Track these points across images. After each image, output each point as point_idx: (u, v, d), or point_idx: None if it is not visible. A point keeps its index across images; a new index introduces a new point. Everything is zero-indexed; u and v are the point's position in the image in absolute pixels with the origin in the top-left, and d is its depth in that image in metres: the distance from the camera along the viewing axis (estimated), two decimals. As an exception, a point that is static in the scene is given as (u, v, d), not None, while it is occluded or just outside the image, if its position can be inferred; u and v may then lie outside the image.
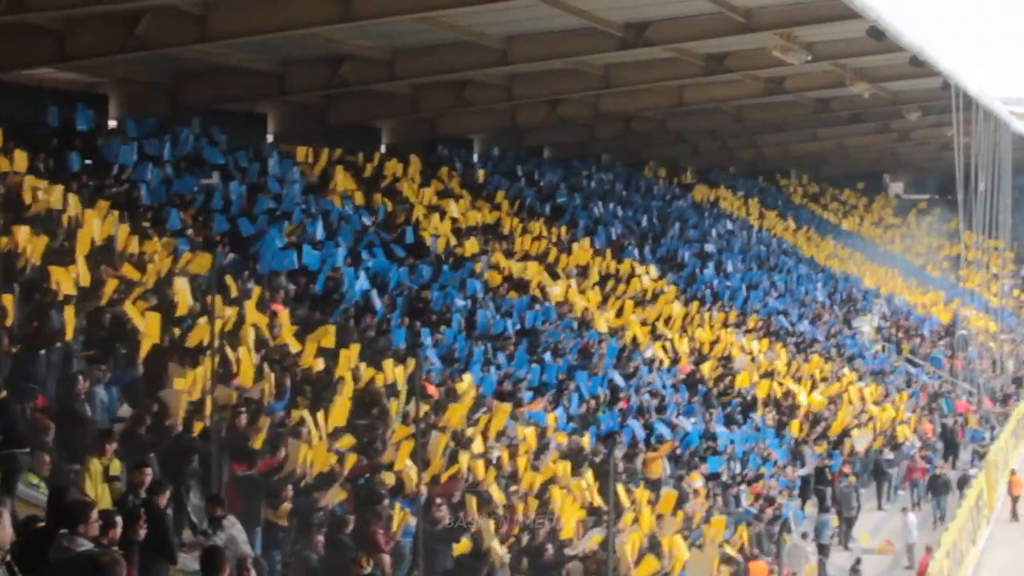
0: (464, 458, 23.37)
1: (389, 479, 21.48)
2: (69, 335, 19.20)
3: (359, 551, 18.44)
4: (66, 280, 19.91)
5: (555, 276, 37.12)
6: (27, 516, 13.46)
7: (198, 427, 19.12)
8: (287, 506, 19.21)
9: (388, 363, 24.93)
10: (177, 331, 21.30)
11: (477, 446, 24.60)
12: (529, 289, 34.95)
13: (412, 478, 21.17)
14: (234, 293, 23.36)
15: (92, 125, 27.95)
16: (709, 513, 29.76)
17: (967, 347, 56.45)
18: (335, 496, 19.97)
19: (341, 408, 22.33)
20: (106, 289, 20.77)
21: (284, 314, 24.42)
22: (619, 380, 33.25)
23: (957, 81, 42.00)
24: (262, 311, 23.61)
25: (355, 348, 24.53)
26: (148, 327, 20.38)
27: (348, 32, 28.77)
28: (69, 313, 19.19)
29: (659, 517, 27.46)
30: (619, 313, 38.05)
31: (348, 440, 21.74)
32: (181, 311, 21.72)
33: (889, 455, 41.25)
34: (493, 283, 33.88)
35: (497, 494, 23.45)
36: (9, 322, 18.57)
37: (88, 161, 26.49)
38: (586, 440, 28.53)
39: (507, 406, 27.13)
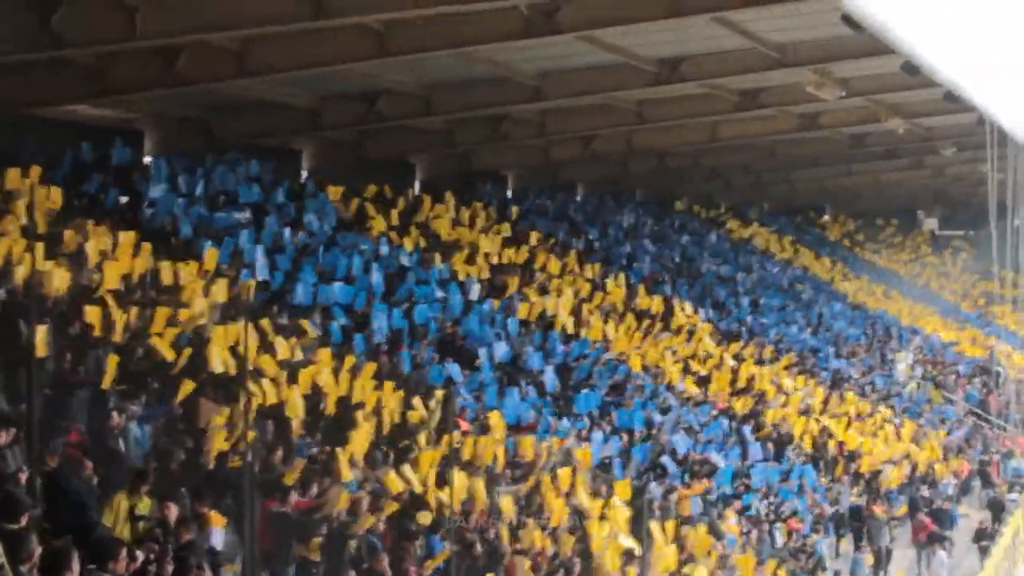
0: (497, 495, 23.38)
1: (425, 518, 21.46)
2: (107, 383, 19.17)
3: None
4: (96, 319, 19.95)
5: (589, 312, 37.04)
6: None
7: (232, 462, 19.15)
8: (317, 541, 19.25)
9: (420, 399, 24.97)
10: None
11: (508, 482, 24.63)
12: (563, 325, 34.87)
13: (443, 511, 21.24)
14: (269, 335, 23.45)
15: (128, 160, 28.07)
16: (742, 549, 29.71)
17: (1003, 384, 56.07)
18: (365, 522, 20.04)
19: (362, 437, 22.40)
20: (137, 324, 20.81)
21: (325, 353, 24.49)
22: (655, 416, 33.16)
23: (992, 117, 41.82)
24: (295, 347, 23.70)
25: (388, 384, 24.57)
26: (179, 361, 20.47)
27: (384, 67, 28.85)
28: (111, 362, 19.20)
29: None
30: (653, 349, 37.94)
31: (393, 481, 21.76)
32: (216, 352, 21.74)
33: (925, 493, 40.97)
34: (527, 320, 33.83)
35: (538, 536, 23.44)
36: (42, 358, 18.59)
37: (124, 197, 26.58)
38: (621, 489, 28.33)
39: (538, 442, 27.12)
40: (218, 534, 17.21)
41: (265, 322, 23.52)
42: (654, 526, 26.41)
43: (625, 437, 31.33)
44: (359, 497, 20.59)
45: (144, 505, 16.51)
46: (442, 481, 22.39)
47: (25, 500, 13.55)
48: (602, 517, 25.89)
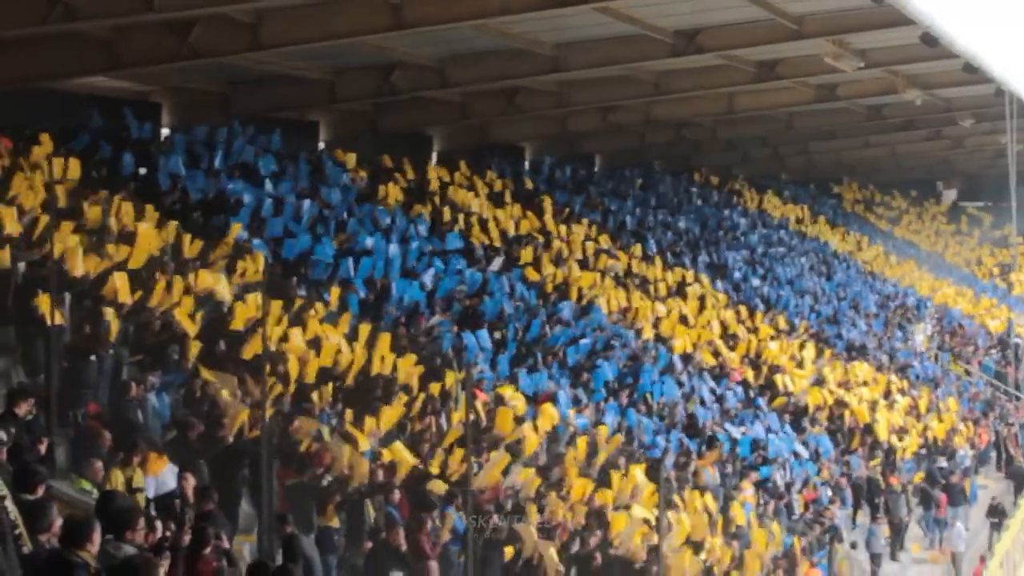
0: (516, 468, 23.44)
1: (440, 487, 21.51)
2: (113, 336, 19.25)
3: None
4: (124, 287, 20.01)
5: (605, 284, 37.03)
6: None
7: (250, 432, 19.22)
8: (333, 508, 19.40)
9: (440, 370, 25.03)
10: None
11: (526, 453, 24.69)
12: (579, 296, 34.88)
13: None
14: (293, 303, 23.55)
15: (146, 133, 28.09)
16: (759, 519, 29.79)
17: (1022, 355, 56.01)
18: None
19: (391, 414, 22.43)
20: (156, 296, 20.88)
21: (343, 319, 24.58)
22: (671, 388, 33.17)
23: (1011, 87, 41.68)
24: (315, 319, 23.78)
25: (407, 355, 24.63)
26: (196, 333, 20.55)
27: (400, 39, 28.80)
28: (111, 314, 19.27)
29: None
30: (669, 320, 37.93)
31: (400, 453, 21.76)
32: (236, 324, 21.82)
33: (943, 463, 40.95)
34: (544, 291, 33.83)
35: (555, 505, 23.50)
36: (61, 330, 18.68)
37: (142, 169, 26.62)
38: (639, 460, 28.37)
39: (555, 413, 27.16)
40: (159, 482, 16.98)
41: (279, 302, 23.59)
42: (671, 498, 26.47)
43: (643, 408, 31.38)
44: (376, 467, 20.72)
45: (139, 478, 16.58)
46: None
47: (41, 470, 13.61)
48: (619, 489, 25.97)
